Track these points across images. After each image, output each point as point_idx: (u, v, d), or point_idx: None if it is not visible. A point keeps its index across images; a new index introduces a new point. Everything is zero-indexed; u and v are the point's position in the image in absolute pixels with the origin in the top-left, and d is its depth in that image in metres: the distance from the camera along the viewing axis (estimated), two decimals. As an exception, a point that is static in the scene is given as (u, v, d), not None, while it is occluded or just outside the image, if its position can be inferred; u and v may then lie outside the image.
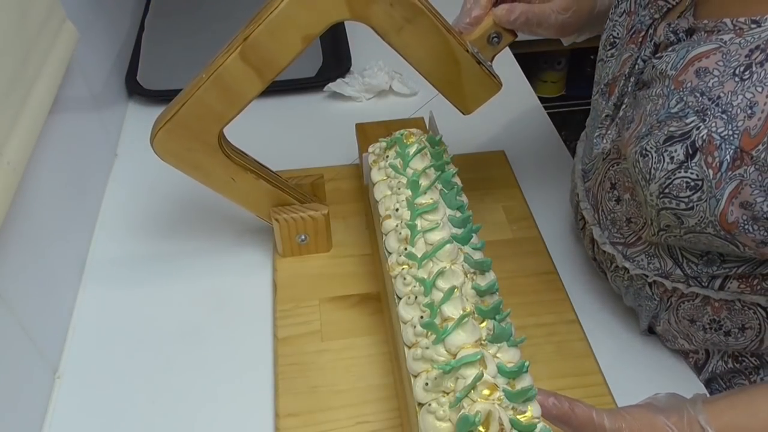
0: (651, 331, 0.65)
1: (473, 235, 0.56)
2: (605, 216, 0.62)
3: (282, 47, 0.57)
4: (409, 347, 0.49)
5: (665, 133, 0.48)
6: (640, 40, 0.57)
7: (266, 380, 0.62)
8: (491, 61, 0.64)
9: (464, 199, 0.60)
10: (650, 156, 0.50)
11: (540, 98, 0.98)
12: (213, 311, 0.68)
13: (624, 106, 0.59)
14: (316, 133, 0.91)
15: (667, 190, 0.49)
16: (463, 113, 0.67)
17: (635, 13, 0.58)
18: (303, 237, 0.70)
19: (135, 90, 0.95)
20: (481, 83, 0.64)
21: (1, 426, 0.52)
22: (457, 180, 0.62)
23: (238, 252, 0.74)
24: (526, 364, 0.45)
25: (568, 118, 1.62)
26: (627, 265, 0.60)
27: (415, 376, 0.47)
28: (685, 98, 0.48)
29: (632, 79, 0.57)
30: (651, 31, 0.56)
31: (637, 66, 0.57)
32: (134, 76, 0.96)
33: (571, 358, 0.63)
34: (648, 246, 0.58)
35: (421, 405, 0.46)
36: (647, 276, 0.59)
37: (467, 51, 0.61)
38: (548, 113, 0.95)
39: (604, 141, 0.61)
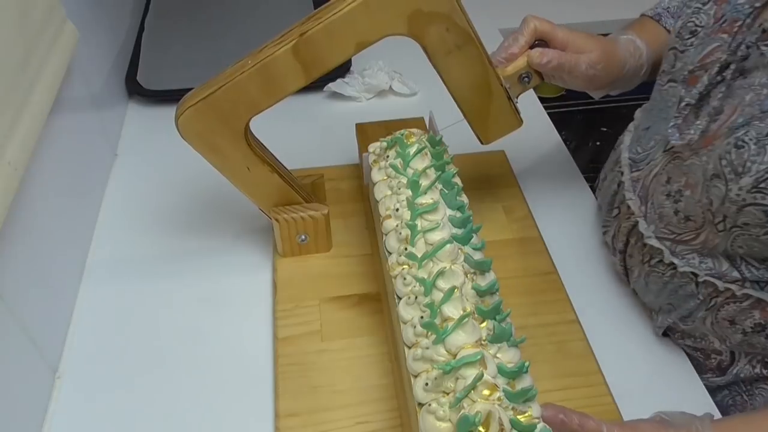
0: (665, 333, 0.65)
1: (473, 235, 0.56)
2: (653, 209, 0.60)
3: (335, 49, 0.58)
4: (410, 347, 0.49)
5: None
6: (735, 30, 0.54)
7: (266, 380, 0.62)
8: (517, 99, 0.66)
9: (464, 199, 0.60)
10: (747, 147, 0.47)
11: (540, 98, 0.98)
12: (213, 311, 0.68)
13: (713, 96, 0.56)
14: (316, 133, 0.91)
15: (763, 185, 0.47)
16: (481, 142, 0.69)
17: (726, 2, 0.56)
18: (303, 237, 0.70)
19: (135, 90, 0.95)
20: (505, 117, 0.66)
21: (1, 426, 0.52)
22: (457, 180, 0.62)
23: (238, 252, 0.74)
24: (526, 364, 0.45)
25: (568, 118, 1.62)
26: (675, 261, 0.58)
27: (416, 376, 0.47)
28: None
29: (732, 67, 0.54)
30: (748, 20, 0.53)
31: (739, 52, 0.54)
32: (134, 76, 0.96)
33: (572, 358, 0.63)
34: (702, 246, 0.56)
35: (421, 405, 0.46)
36: (697, 275, 0.57)
37: (501, 85, 0.63)
38: (548, 113, 0.95)
39: (691, 131, 0.57)
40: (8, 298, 0.55)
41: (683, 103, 0.58)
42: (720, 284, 0.56)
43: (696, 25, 0.59)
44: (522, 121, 0.67)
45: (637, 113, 0.69)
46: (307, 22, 0.57)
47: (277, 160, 0.68)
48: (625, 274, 0.69)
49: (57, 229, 0.67)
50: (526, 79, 0.65)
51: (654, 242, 0.60)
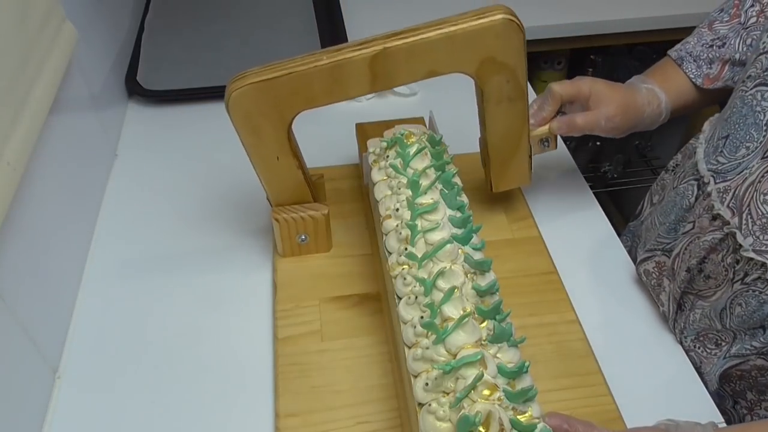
0: (722, 379, 0.63)
1: (473, 235, 0.56)
2: (752, 220, 0.57)
3: (409, 70, 0.60)
4: (410, 347, 0.49)
5: None
6: None
7: (266, 380, 0.62)
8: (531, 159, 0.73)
9: (464, 199, 0.60)
10: None
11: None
12: (213, 311, 0.68)
13: None
14: (316, 133, 0.90)
15: None
16: (491, 189, 0.74)
17: None
18: (303, 237, 0.70)
19: (135, 90, 0.95)
20: (520, 172, 0.73)
21: (1, 426, 0.52)
22: (457, 180, 0.62)
23: (238, 252, 0.74)
24: (527, 364, 0.45)
25: (568, 118, 1.63)
26: None
27: (416, 377, 0.47)
28: None
29: None
30: None
31: None
32: (134, 76, 0.96)
33: (571, 358, 0.63)
34: None
35: (421, 405, 0.46)
36: None
37: (528, 143, 0.69)
38: (548, 113, 0.95)
39: None
40: (8, 298, 0.55)
41: None
42: None
43: None
44: (530, 180, 0.74)
45: (706, 125, 0.68)
46: (392, 37, 0.59)
47: (303, 159, 0.69)
48: (677, 302, 0.65)
49: (57, 229, 0.67)
50: (546, 143, 0.71)
51: (752, 255, 0.57)
